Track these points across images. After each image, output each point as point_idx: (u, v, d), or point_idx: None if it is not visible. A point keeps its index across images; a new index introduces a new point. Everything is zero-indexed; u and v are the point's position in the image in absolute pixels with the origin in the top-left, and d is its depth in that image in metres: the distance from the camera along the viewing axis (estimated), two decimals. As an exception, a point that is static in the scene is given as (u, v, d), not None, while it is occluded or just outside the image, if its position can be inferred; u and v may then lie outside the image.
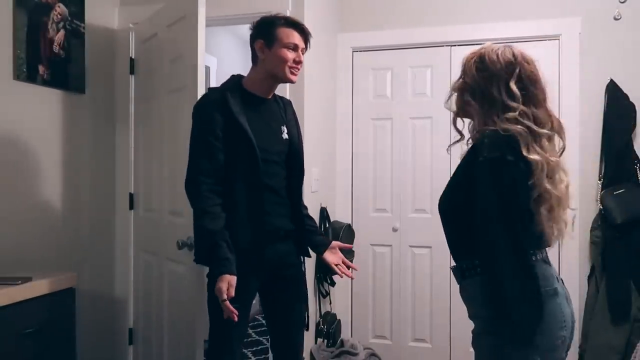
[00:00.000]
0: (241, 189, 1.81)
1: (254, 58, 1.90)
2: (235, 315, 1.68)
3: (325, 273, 2.93)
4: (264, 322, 3.07)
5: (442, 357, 3.16)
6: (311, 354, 2.84)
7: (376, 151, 3.32)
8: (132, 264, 2.84)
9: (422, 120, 3.22)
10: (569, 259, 2.92)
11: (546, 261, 1.42)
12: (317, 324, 2.96)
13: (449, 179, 1.50)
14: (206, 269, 1.87)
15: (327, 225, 2.98)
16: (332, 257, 1.99)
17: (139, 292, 2.77)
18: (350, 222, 3.25)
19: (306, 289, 2.11)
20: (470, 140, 1.50)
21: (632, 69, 2.85)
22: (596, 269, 2.81)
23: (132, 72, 2.84)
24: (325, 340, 2.94)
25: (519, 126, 1.33)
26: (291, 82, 1.89)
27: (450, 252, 1.53)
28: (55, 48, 2.48)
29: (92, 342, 2.69)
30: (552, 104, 1.42)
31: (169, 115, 2.44)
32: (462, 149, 1.49)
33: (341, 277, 2.04)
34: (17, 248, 2.26)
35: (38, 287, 1.94)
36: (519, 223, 1.29)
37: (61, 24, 2.51)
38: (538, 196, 1.34)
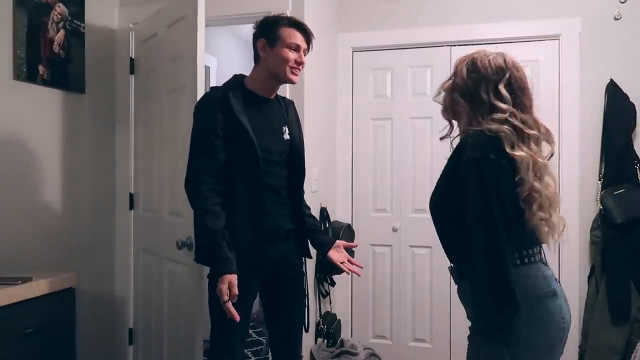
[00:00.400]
0: (242, 189, 1.80)
1: (256, 57, 1.90)
2: (237, 317, 1.68)
3: (326, 272, 2.93)
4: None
5: (442, 357, 3.16)
6: (311, 353, 2.84)
7: (376, 151, 3.32)
8: (132, 264, 2.84)
9: (422, 120, 3.22)
10: (569, 259, 2.92)
11: (544, 262, 1.44)
12: (317, 324, 2.96)
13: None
14: (206, 269, 1.87)
15: (327, 225, 2.98)
16: (337, 255, 1.99)
17: (139, 292, 2.77)
18: (350, 222, 3.25)
19: (306, 290, 2.11)
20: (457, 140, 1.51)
21: (632, 69, 2.85)
22: (596, 269, 2.81)
23: (132, 72, 2.84)
24: (325, 340, 2.94)
25: (505, 126, 1.36)
26: (292, 82, 1.89)
27: (446, 253, 1.54)
28: (55, 48, 2.48)
29: (92, 342, 2.69)
30: (537, 112, 1.46)
31: (169, 115, 2.44)
32: (452, 146, 1.51)
33: (348, 274, 2.04)
34: (18, 248, 2.26)
35: (38, 287, 1.94)
36: (501, 223, 1.31)
37: (61, 24, 2.51)
38: (528, 195, 1.35)
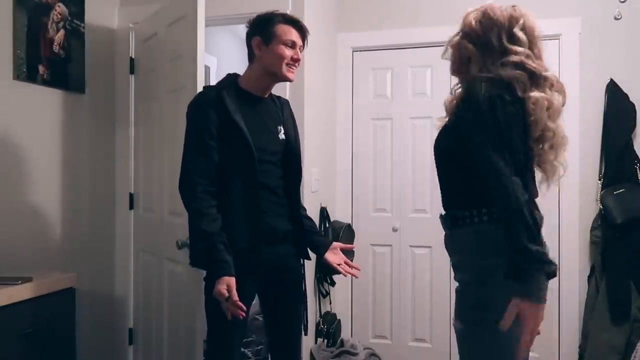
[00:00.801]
0: (237, 188, 1.78)
1: (251, 56, 1.88)
2: (242, 313, 1.66)
3: (325, 273, 2.93)
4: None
5: (442, 357, 3.16)
6: (311, 353, 2.84)
7: (376, 151, 3.32)
8: (132, 264, 2.84)
9: (422, 120, 3.22)
10: (569, 258, 2.92)
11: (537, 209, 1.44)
12: (317, 324, 2.96)
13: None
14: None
15: (327, 225, 2.98)
16: (334, 257, 1.96)
17: (139, 292, 2.77)
18: (350, 222, 3.25)
19: (305, 292, 2.09)
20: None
21: (633, 68, 2.85)
22: (596, 269, 2.81)
23: (132, 72, 2.84)
24: (325, 340, 2.94)
25: (518, 71, 1.36)
26: (289, 80, 1.87)
27: (443, 200, 1.54)
28: (55, 48, 2.48)
29: (92, 342, 2.69)
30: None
31: (169, 115, 2.43)
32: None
33: (345, 276, 2.02)
34: (18, 248, 2.26)
35: (38, 287, 1.94)
36: (513, 155, 1.31)
37: (61, 24, 2.51)
38: (540, 134, 1.36)
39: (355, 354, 2.88)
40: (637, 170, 2.78)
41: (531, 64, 1.37)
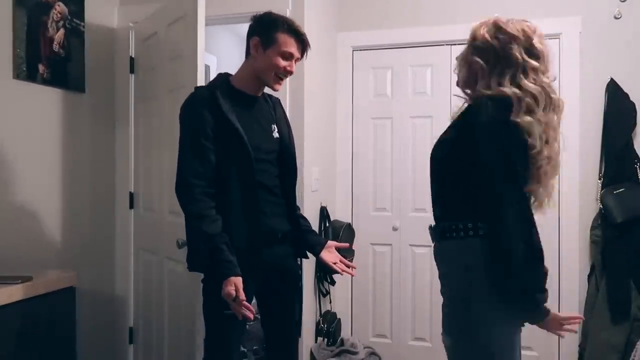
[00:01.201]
0: (235, 188, 1.76)
1: (247, 53, 1.86)
2: (250, 314, 1.65)
3: (325, 272, 2.93)
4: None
5: (442, 356, 3.12)
6: (311, 352, 2.84)
7: (376, 150, 3.32)
8: (132, 263, 2.84)
9: (422, 119, 3.22)
10: (569, 258, 2.92)
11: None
12: (317, 323, 2.96)
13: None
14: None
15: (327, 224, 2.98)
16: (329, 256, 1.94)
17: (139, 291, 2.77)
18: (350, 221, 3.25)
19: (302, 292, 2.08)
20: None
21: (633, 68, 2.85)
22: (596, 268, 2.81)
23: (132, 71, 2.84)
24: (326, 339, 2.94)
25: (531, 87, 1.34)
26: (273, 90, 1.85)
27: (434, 211, 1.55)
28: (55, 47, 2.48)
29: (92, 342, 2.69)
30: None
31: (169, 114, 2.43)
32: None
33: (341, 274, 2.01)
34: (17, 247, 2.26)
35: (38, 287, 1.94)
36: (521, 183, 1.33)
37: (61, 23, 2.51)
38: (535, 160, 1.36)
39: (355, 353, 2.89)
40: (637, 169, 2.77)
41: (544, 80, 1.37)
